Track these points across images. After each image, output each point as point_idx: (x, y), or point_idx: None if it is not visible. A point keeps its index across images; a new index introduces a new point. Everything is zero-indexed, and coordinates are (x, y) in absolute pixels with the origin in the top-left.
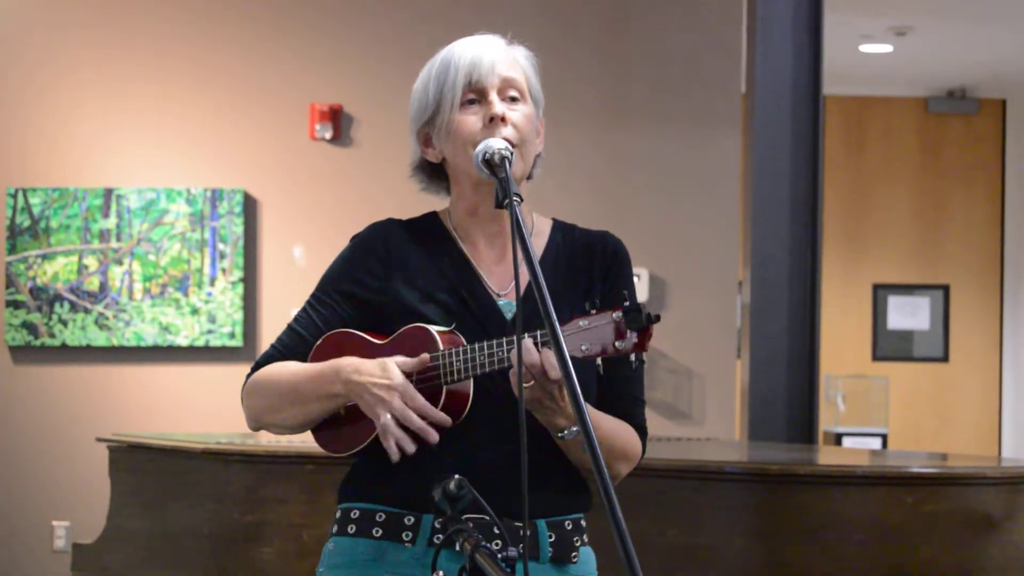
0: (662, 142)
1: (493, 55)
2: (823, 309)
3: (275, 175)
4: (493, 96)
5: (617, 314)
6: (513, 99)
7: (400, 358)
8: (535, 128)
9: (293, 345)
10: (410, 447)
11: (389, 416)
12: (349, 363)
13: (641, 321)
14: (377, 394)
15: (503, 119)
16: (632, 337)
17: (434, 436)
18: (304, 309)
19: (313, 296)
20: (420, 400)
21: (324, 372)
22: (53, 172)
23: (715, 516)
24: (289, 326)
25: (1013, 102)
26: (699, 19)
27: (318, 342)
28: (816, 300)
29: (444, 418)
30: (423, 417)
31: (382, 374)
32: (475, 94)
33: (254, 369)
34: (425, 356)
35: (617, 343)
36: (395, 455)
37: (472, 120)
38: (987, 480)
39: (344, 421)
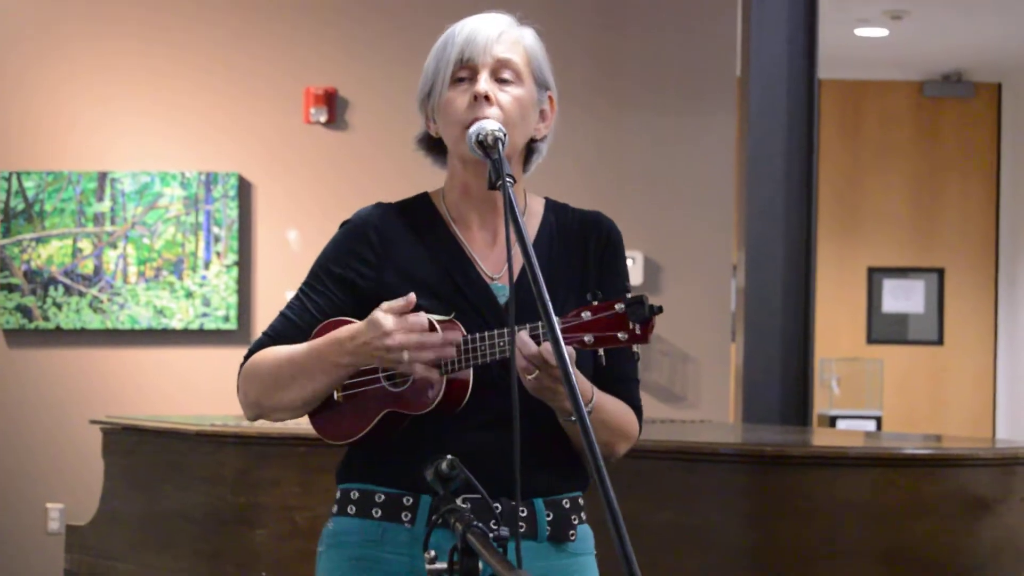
0: (656, 126)
1: (490, 33)
2: (817, 292)
3: (270, 159)
4: (482, 75)
5: (620, 306)
6: (506, 80)
7: (384, 304)
8: (528, 112)
9: (285, 331)
10: (434, 374)
11: (406, 356)
12: (344, 331)
13: (644, 313)
14: (380, 345)
15: (487, 98)
16: (635, 329)
17: (451, 352)
18: (297, 296)
19: (305, 283)
20: (417, 329)
21: (323, 346)
22: (47, 155)
23: (709, 498)
24: (281, 313)
25: (1008, 86)
26: (694, 2)
27: (315, 330)
28: (810, 283)
29: (448, 338)
30: (430, 344)
31: (374, 328)
32: (466, 72)
33: (247, 357)
34: (411, 296)
35: (620, 335)
36: (436, 376)
37: (460, 98)
38: (981, 462)
39: (343, 409)
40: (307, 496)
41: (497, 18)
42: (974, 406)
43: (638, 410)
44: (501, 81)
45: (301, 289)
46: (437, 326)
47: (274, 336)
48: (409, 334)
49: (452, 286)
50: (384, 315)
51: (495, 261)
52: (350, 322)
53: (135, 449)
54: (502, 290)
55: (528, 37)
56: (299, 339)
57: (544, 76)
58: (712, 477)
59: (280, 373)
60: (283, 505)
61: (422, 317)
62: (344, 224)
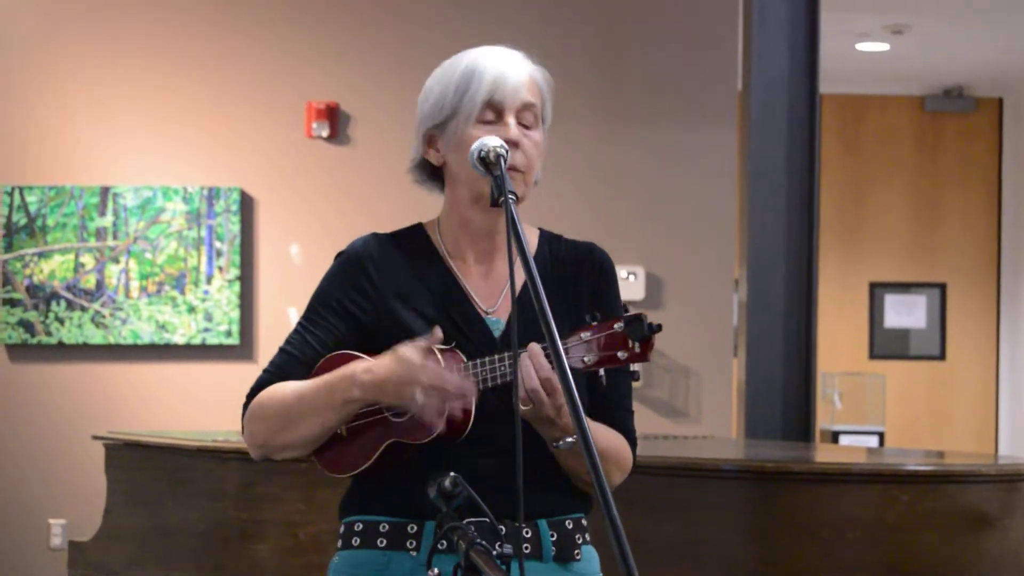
0: (658, 140)
1: (518, 76)
2: (819, 307)
3: (272, 173)
4: (511, 120)
5: (619, 325)
6: (527, 124)
7: (409, 344)
8: (542, 153)
9: (287, 367)
10: (456, 412)
11: (420, 394)
12: (359, 365)
13: (643, 332)
14: (400, 377)
15: (516, 145)
16: (635, 348)
17: (472, 393)
18: (296, 331)
19: (304, 317)
20: (440, 368)
21: (335, 381)
22: (50, 170)
23: (712, 514)
24: (281, 348)
25: (1009, 100)
26: (695, 17)
27: (319, 364)
28: (812, 298)
29: (466, 384)
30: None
31: (396, 361)
32: (493, 113)
33: (250, 396)
34: (438, 332)
35: (619, 354)
36: (441, 427)
37: None
38: (983, 478)
39: (346, 442)
40: (310, 512)
41: (518, 59)
42: (976, 422)
43: (632, 441)
44: (523, 125)
45: (300, 323)
46: (439, 355)
47: (275, 372)
48: (431, 376)
49: (448, 322)
50: (409, 349)
51: (489, 295)
52: (354, 355)
53: (138, 465)
54: (497, 324)
55: (540, 77)
56: (301, 374)
57: (549, 115)
58: (714, 493)
59: (288, 412)
60: (286, 521)
61: (440, 368)
62: (340, 255)
